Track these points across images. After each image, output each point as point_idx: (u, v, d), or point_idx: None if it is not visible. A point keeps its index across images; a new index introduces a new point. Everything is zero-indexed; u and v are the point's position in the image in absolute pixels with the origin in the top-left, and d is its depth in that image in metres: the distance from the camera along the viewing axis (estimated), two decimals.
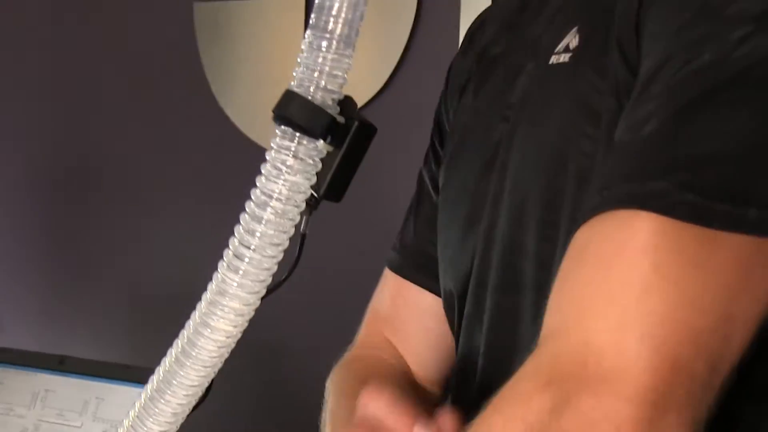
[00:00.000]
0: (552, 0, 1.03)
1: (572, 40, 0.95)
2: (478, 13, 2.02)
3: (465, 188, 1.05)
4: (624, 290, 0.73)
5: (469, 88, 1.12)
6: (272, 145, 0.87)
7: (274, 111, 0.89)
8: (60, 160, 2.67)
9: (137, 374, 1.46)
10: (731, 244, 0.74)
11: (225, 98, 2.41)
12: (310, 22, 0.90)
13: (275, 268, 0.87)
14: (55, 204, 2.69)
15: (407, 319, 1.16)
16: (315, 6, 0.90)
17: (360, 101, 2.24)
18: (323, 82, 0.88)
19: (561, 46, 0.96)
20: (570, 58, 0.94)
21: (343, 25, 0.88)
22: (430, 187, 1.18)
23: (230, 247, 0.84)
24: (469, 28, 1.20)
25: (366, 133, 0.91)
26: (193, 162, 2.48)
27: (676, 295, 0.72)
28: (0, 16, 2.76)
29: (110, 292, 2.59)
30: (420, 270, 1.14)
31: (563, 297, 0.77)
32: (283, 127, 0.87)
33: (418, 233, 1.16)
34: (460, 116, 1.12)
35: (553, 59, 0.96)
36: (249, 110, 2.37)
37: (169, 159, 2.52)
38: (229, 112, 2.40)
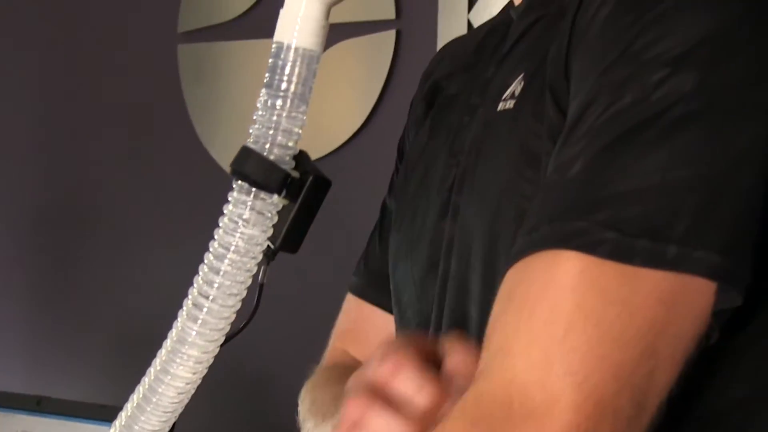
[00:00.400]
0: (504, 44, 1.06)
1: (518, 87, 0.98)
2: None
3: (422, 233, 1.07)
4: (547, 329, 0.75)
5: (425, 124, 1.15)
6: (229, 198, 0.92)
7: (231, 166, 0.94)
8: (41, 197, 2.71)
9: (114, 413, 1.49)
10: (653, 281, 0.76)
11: (208, 137, 2.45)
12: (265, 80, 0.94)
13: (233, 317, 0.91)
14: (36, 243, 2.72)
15: (370, 336, 1.17)
16: (269, 66, 0.94)
17: (339, 140, 2.29)
18: (278, 139, 0.93)
19: (508, 92, 0.99)
20: (514, 104, 0.97)
21: (296, 83, 0.93)
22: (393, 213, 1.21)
23: (189, 296, 0.88)
24: (428, 65, 1.23)
25: (320, 186, 0.95)
26: (176, 200, 2.51)
27: (598, 332, 0.74)
28: None
29: (91, 332, 2.61)
30: (381, 292, 1.16)
31: (491, 339, 0.79)
32: (240, 182, 0.92)
33: (380, 257, 1.18)
34: (416, 152, 1.15)
35: (500, 105, 0.99)
36: (232, 149, 2.38)
37: (152, 197, 2.55)
38: (212, 151, 2.44)
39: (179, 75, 2.48)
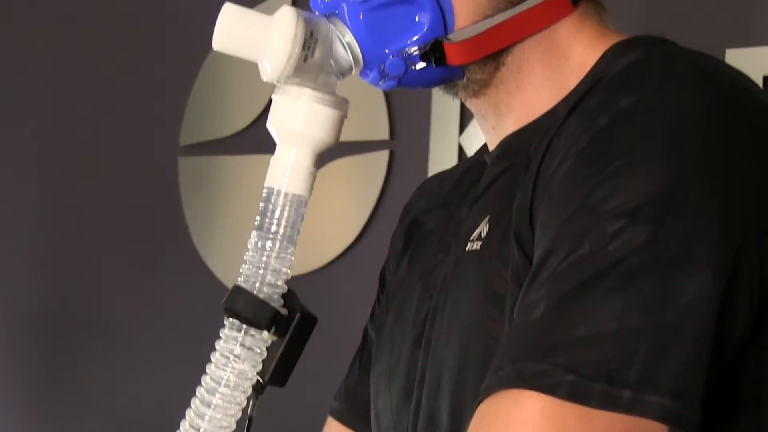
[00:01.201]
0: (479, 184, 1.11)
1: (484, 229, 1.04)
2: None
3: (399, 362, 1.12)
4: None
5: (404, 258, 1.20)
6: (221, 335, 0.98)
7: (223, 304, 1.00)
8: (38, 300, 2.75)
9: None
10: (608, 422, 0.82)
11: (205, 247, 2.51)
12: (255, 223, 1.01)
13: None
14: (32, 348, 2.75)
15: None
16: (260, 209, 1.00)
17: (331, 254, 2.36)
18: (268, 278, 0.98)
19: (475, 234, 1.05)
20: (480, 245, 1.03)
21: (285, 226, 1.00)
22: (374, 342, 1.24)
23: (181, 429, 0.94)
24: (410, 198, 1.27)
25: (307, 323, 1.01)
26: (171, 308, 2.56)
27: None
28: None
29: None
30: (361, 417, 1.20)
31: None
32: (231, 318, 0.98)
33: (361, 382, 1.22)
34: (395, 285, 1.19)
35: (469, 245, 1.04)
36: (228, 259, 2.47)
37: (149, 303, 2.60)
38: (209, 261, 2.50)
39: (179, 186, 2.55)
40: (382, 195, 2.33)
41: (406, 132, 2.31)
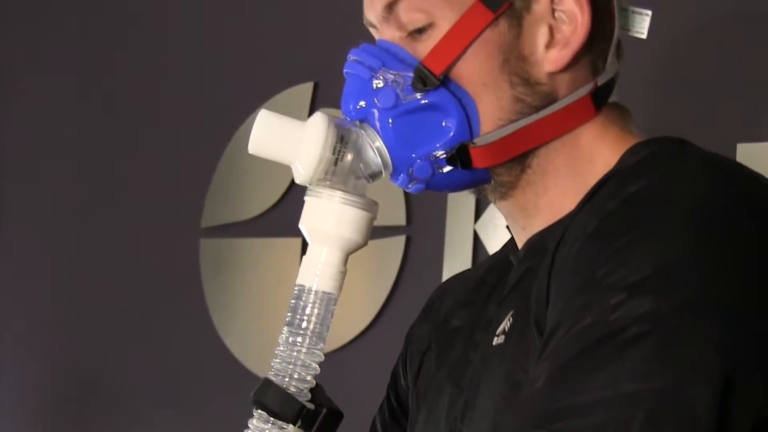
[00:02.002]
0: (505, 283, 1.14)
1: (507, 323, 1.07)
2: (459, 265, 2.17)
3: None
4: None
5: (430, 356, 1.22)
6: (249, 425, 1.02)
7: (253, 396, 1.04)
8: (59, 373, 2.78)
9: None
10: None
11: (224, 328, 2.53)
12: (286, 319, 1.06)
13: None
14: (54, 415, 2.77)
15: None
16: (290, 306, 1.05)
17: (347, 336, 2.38)
18: (297, 374, 1.03)
19: (500, 329, 1.08)
20: (504, 339, 1.06)
21: (315, 323, 1.04)
22: None
23: None
24: (430, 298, 1.30)
25: (333, 418, 1.05)
26: (192, 390, 2.58)
27: None
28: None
29: None
30: None
31: None
32: (259, 410, 1.02)
33: None
34: (424, 384, 1.22)
35: (495, 340, 1.08)
36: (247, 341, 2.49)
37: (167, 384, 2.62)
38: (228, 341, 2.52)
39: (200, 267, 2.58)
40: (398, 279, 2.35)
41: (423, 218, 2.34)
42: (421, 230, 2.35)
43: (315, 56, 2.46)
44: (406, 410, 1.27)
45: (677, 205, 0.93)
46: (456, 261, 2.23)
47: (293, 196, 2.44)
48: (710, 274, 0.90)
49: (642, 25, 1.10)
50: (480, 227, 2.22)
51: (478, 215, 2.23)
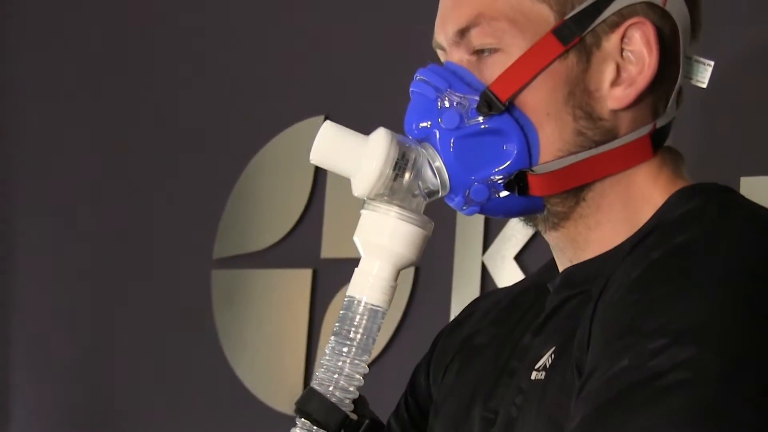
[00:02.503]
0: (540, 310, 1.15)
1: (548, 360, 1.08)
2: (467, 296, 2.17)
3: None
4: None
5: (452, 368, 1.24)
6: None
7: (296, 404, 1.05)
8: (69, 403, 2.79)
9: None
10: None
11: (235, 359, 2.54)
12: (334, 329, 1.06)
13: None
14: None
15: None
16: (340, 316, 1.06)
17: None
18: (341, 383, 1.05)
19: (540, 363, 1.09)
20: (545, 375, 1.07)
21: (362, 335, 1.06)
22: None
23: None
24: (461, 313, 1.32)
25: (375, 430, 1.07)
26: (203, 420, 2.59)
27: None
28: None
29: None
30: None
31: None
32: (302, 419, 1.04)
33: None
34: (443, 393, 1.23)
35: (534, 374, 1.08)
36: (258, 372, 2.50)
37: (179, 415, 2.63)
38: (239, 372, 2.53)
39: (211, 298, 2.59)
40: (407, 310, 2.36)
41: (431, 250, 2.34)
42: (430, 261, 2.35)
43: (324, 89, 2.49)
44: (423, 410, 1.29)
45: (721, 258, 0.95)
46: (464, 292, 2.23)
47: (304, 227, 2.46)
48: (752, 329, 0.91)
49: (704, 75, 1.13)
50: (488, 259, 2.23)
51: (486, 247, 2.24)
